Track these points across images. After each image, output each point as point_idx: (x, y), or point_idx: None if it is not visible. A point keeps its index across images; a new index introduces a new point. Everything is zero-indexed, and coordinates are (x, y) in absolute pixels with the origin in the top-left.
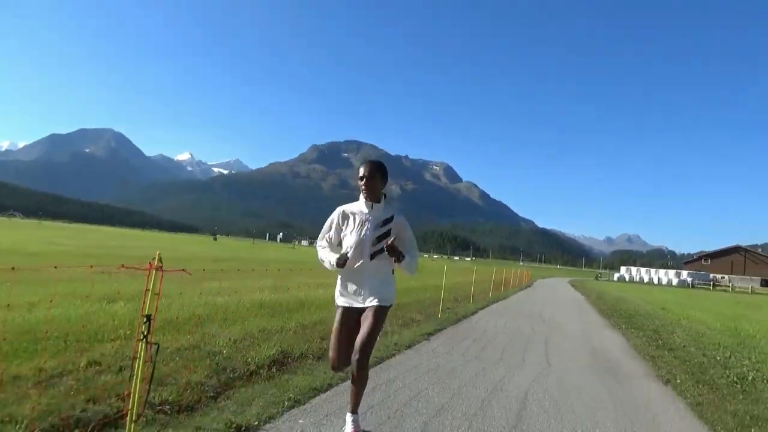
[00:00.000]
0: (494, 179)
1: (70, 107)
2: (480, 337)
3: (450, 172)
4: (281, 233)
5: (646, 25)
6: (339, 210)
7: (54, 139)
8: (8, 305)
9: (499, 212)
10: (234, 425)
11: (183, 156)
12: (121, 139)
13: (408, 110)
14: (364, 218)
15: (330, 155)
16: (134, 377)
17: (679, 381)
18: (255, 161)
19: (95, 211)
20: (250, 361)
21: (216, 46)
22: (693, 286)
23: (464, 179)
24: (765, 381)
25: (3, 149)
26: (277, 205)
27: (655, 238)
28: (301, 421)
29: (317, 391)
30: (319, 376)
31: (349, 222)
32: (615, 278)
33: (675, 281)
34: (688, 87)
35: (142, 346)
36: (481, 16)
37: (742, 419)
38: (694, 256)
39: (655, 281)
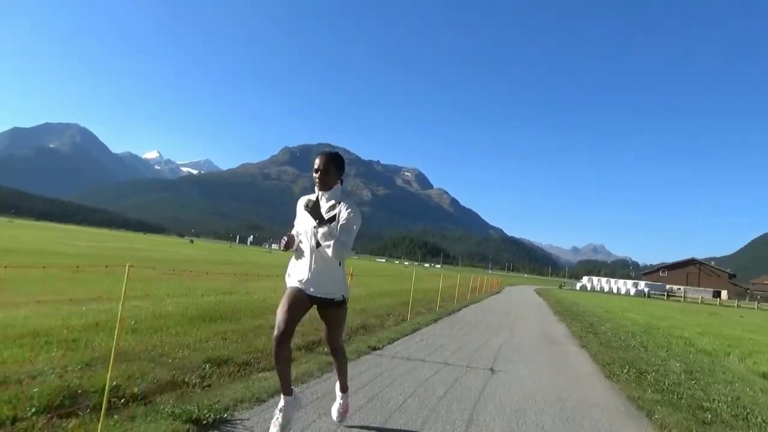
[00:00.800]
0: (465, 187)
1: (35, 101)
2: (467, 323)
3: (421, 179)
4: (252, 236)
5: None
6: (299, 201)
7: (16, 133)
8: (201, 294)
9: (469, 219)
10: None
11: (151, 154)
12: (87, 135)
13: (381, 115)
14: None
15: (302, 157)
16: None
17: (590, 346)
18: (225, 162)
19: (58, 208)
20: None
21: (188, 43)
22: (649, 296)
23: (435, 186)
24: (641, 347)
25: None
26: (247, 206)
27: (620, 249)
28: None
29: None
30: None
31: (301, 211)
32: (578, 287)
33: (633, 291)
34: (664, 94)
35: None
36: (455, 17)
37: (614, 359)
38: (654, 268)
39: (615, 291)
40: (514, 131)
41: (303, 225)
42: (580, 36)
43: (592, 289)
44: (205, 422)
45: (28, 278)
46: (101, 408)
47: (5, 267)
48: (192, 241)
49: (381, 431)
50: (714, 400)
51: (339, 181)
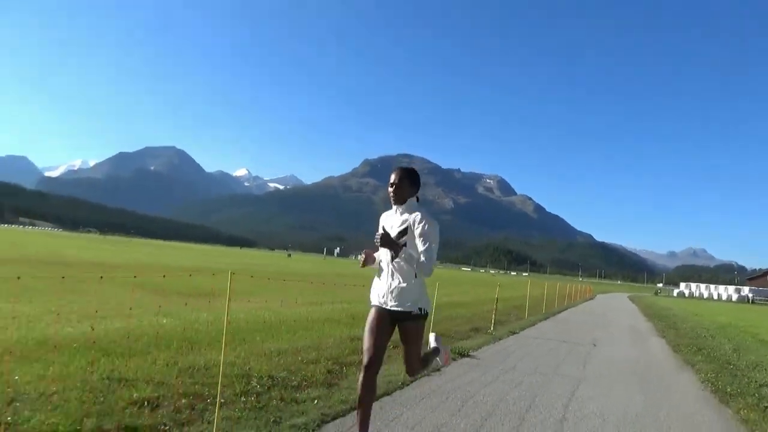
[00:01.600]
0: (550, 192)
1: (136, 127)
2: (569, 321)
3: (504, 185)
4: (338, 248)
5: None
6: (381, 217)
7: (121, 157)
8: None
9: (555, 225)
10: None
11: (240, 172)
12: (183, 156)
13: (461, 123)
14: (393, 221)
15: (382, 169)
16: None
17: (667, 336)
18: (309, 176)
19: (159, 225)
20: None
21: (271, 63)
22: (753, 302)
23: (518, 192)
24: (710, 337)
25: (76, 167)
26: (331, 218)
27: (724, 253)
28: None
29: None
30: None
31: (380, 227)
32: (675, 294)
33: (735, 297)
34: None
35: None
36: (532, 26)
37: (683, 343)
38: (761, 272)
39: (715, 297)
40: (601, 132)
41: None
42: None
43: (690, 296)
44: None
45: (290, 289)
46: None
47: (284, 279)
48: (290, 255)
49: (534, 369)
50: (742, 362)
51: (415, 197)
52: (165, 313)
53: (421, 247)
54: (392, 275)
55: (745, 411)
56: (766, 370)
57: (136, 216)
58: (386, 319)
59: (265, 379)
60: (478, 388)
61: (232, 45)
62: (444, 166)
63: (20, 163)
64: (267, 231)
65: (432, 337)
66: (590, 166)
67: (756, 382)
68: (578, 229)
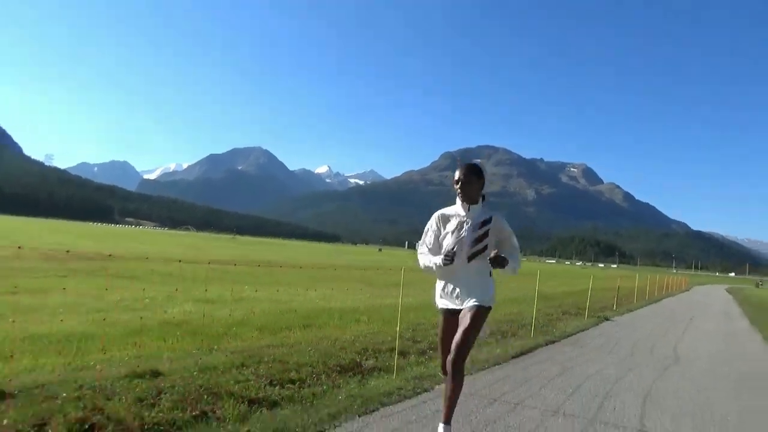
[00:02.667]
0: (639, 179)
1: (225, 129)
2: (669, 308)
3: (589, 174)
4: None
5: None
6: (437, 214)
7: (211, 159)
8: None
9: (646, 214)
10: None
11: (322, 169)
12: (268, 156)
13: (543, 112)
14: (462, 220)
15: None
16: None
17: (753, 316)
18: (389, 171)
19: (251, 223)
20: None
21: (349, 63)
22: None
23: (605, 180)
24: None
25: (171, 170)
26: (411, 212)
27: None
28: None
29: None
30: None
31: (448, 225)
32: None
33: None
34: None
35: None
36: (614, 12)
37: (764, 319)
38: None
39: None
40: (692, 111)
41: (451, 240)
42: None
43: None
44: None
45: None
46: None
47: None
48: (380, 250)
49: (650, 331)
50: None
51: (482, 195)
52: (377, 296)
53: (511, 252)
54: (465, 274)
55: None
56: None
57: (229, 214)
58: (456, 321)
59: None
60: (620, 336)
61: (313, 46)
62: (526, 156)
63: (122, 167)
64: (350, 226)
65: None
66: (683, 150)
67: None
68: (671, 217)
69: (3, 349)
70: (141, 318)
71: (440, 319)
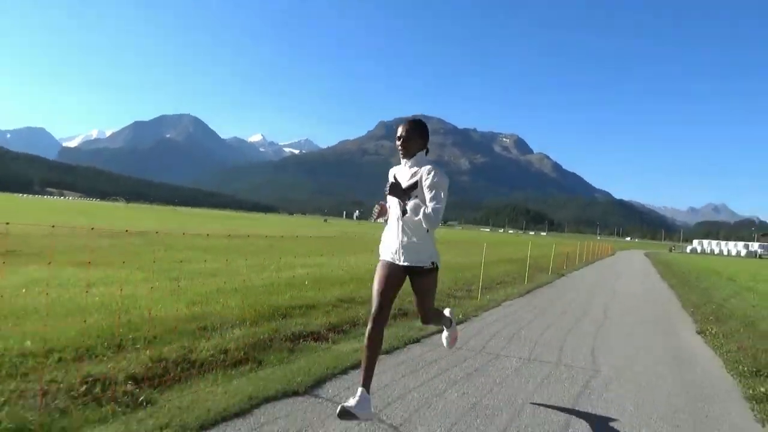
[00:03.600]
0: (567, 150)
1: (151, 95)
2: (603, 267)
3: (521, 144)
4: (357, 211)
5: None
6: (390, 172)
7: (137, 126)
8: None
9: (573, 184)
10: None
11: (255, 137)
12: (198, 124)
13: (476, 81)
14: (402, 175)
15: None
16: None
17: (664, 275)
18: (325, 140)
19: (182, 194)
20: None
21: (284, 27)
22: (760, 257)
23: (536, 151)
24: (689, 274)
25: (93, 137)
26: (349, 182)
27: (746, 208)
28: None
29: None
30: None
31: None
32: (688, 250)
33: (743, 252)
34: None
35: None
36: None
37: (671, 276)
38: None
39: (725, 253)
40: (617, 84)
41: (390, 197)
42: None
43: (702, 252)
44: None
45: None
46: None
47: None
48: (326, 220)
49: (596, 279)
50: (695, 281)
51: (425, 150)
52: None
53: (428, 198)
54: (403, 231)
55: (679, 289)
56: (702, 281)
57: (158, 185)
58: (397, 273)
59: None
60: (579, 283)
61: (243, 7)
62: (460, 126)
63: (39, 134)
64: (287, 196)
65: (447, 311)
66: (608, 122)
67: (695, 284)
68: (596, 186)
69: (277, 289)
70: (293, 276)
71: (378, 265)
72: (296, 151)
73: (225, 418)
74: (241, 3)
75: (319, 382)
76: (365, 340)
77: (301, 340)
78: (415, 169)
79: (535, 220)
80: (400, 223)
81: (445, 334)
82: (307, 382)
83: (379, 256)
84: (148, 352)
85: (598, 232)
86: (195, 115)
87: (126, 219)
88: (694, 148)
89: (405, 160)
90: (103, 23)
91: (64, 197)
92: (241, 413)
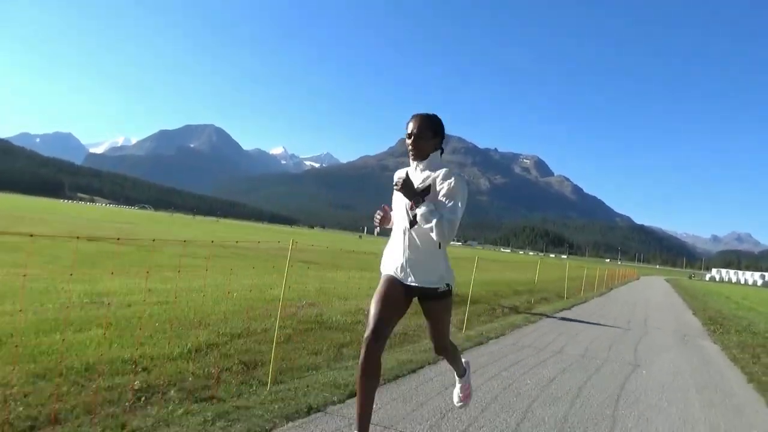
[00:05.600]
0: (588, 173)
1: (177, 104)
2: (632, 289)
3: (541, 166)
4: (378, 227)
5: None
6: (395, 176)
7: (163, 135)
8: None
9: (593, 207)
10: None
11: (277, 150)
12: (222, 134)
13: (497, 101)
14: (412, 179)
15: None
16: None
17: (684, 297)
18: (345, 155)
19: (205, 203)
20: None
21: (308, 43)
22: None
23: (556, 173)
24: (702, 296)
25: (119, 144)
26: (368, 197)
27: None
28: None
29: None
30: None
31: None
32: (707, 278)
33: (759, 282)
34: None
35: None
36: (570, 8)
37: (689, 298)
38: None
39: (741, 282)
40: (642, 109)
41: (397, 203)
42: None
43: (720, 280)
44: None
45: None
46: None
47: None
48: (361, 237)
49: (625, 299)
50: (703, 298)
51: (439, 150)
52: None
53: (444, 205)
54: (410, 244)
55: (688, 301)
56: (706, 298)
57: (182, 194)
58: (399, 293)
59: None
60: (619, 297)
61: (269, 23)
62: (481, 146)
63: (67, 139)
64: (306, 209)
65: (464, 361)
66: (631, 147)
67: (701, 299)
68: (617, 211)
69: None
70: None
71: (381, 280)
72: (317, 165)
73: None
74: (268, 18)
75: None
76: (358, 371)
77: None
78: (428, 172)
79: (554, 242)
80: (407, 234)
81: (457, 388)
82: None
83: (381, 273)
84: None
85: (619, 257)
86: (219, 126)
87: (221, 232)
88: (721, 175)
89: (416, 162)
90: (134, 32)
91: (95, 203)
92: None
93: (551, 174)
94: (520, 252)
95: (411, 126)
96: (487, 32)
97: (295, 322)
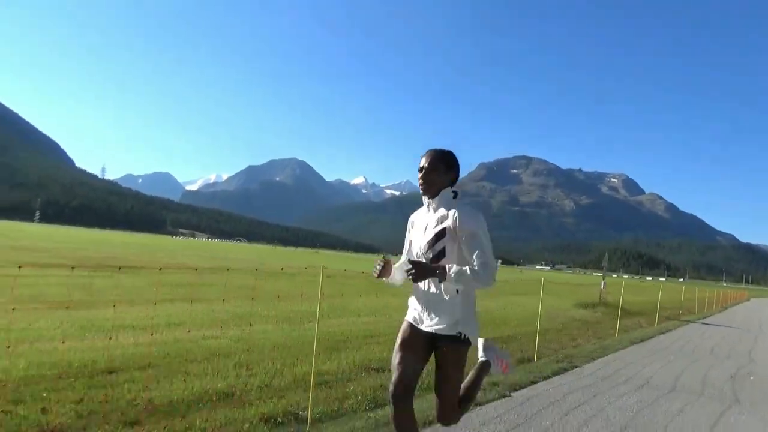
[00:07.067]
0: (682, 190)
1: (263, 141)
2: (744, 308)
3: (630, 184)
4: None
5: None
6: (410, 219)
7: (250, 171)
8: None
9: (690, 226)
10: None
11: (358, 179)
12: (305, 167)
13: (581, 120)
14: (425, 221)
15: (498, 172)
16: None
17: None
18: None
19: (291, 234)
20: None
21: (383, 66)
22: None
23: (647, 191)
24: None
25: (211, 181)
26: None
27: None
28: None
29: None
30: None
31: (413, 229)
32: None
33: None
34: None
35: None
36: (651, 24)
37: None
38: None
39: None
40: (737, 119)
41: (416, 245)
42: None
43: None
44: None
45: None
46: None
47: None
48: None
49: (743, 318)
50: None
51: (450, 187)
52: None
53: (471, 256)
54: (428, 288)
55: None
56: None
57: (270, 226)
58: (418, 339)
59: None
60: (733, 317)
61: (349, 57)
62: (563, 167)
63: (165, 178)
64: (387, 237)
65: (480, 344)
66: (732, 160)
67: None
68: (718, 229)
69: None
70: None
71: (402, 326)
72: (397, 193)
73: None
74: (344, 56)
75: None
76: (391, 427)
77: None
78: (441, 212)
79: (649, 264)
80: (428, 281)
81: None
82: None
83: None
84: None
85: (724, 278)
86: (301, 159)
87: (338, 262)
88: None
89: (428, 199)
90: (222, 78)
91: (195, 237)
92: None
93: (641, 192)
94: (614, 275)
95: (423, 160)
96: (566, 49)
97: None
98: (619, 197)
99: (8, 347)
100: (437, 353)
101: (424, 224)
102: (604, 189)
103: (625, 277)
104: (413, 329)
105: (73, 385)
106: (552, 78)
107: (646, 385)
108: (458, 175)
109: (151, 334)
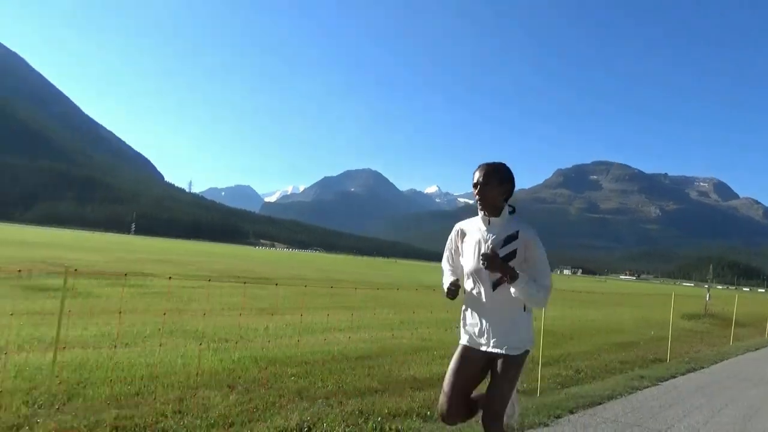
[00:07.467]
0: None
1: (338, 152)
2: None
3: (722, 188)
4: None
5: None
6: (456, 227)
7: (325, 182)
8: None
9: None
10: None
11: (431, 189)
12: (378, 177)
13: (664, 122)
14: (481, 237)
15: (576, 179)
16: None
17: None
18: None
19: (368, 244)
20: None
21: (455, 84)
22: None
23: (741, 195)
24: None
25: (288, 193)
26: None
27: None
28: None
29: None
30: None
31: (466, 242)
32: None
33: None
34: None
35: None
36: (734, 21)
37: None
38: None
39: None
40: None
41: (470, 262)
42: None
43: None
44: None
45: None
46: None
47: None
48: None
49: None
50: None
51: (507, 203)
52: None
53: (538, 276)
54: (492, 307)
55: None
56: None
57: (344, 236)
58: (476, 363)
59: None
60: None
61: (420, 70)
62: (647, 171)
63: (245, 191)
64: None
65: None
66: None
67: None
68: None
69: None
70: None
71: (457, 350)
72: (470, 201)
73: None
74: (419, 65)
75: None
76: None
77: None
78: (509, 231)
79: (746, 274)
80: (488, 296)
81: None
82: None
83: (459, 341)
84: None
85: None
86: (375, 169)
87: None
88: None
89: (484, 214)
90: (297, 94)
91: (275, 248)
92: None
93: (736, 197)
94: (705, 286)
95: (477, 175)
96: (645, 45)
97: None
98: (710, 202)
99: (297, 340)
100: (497, 364)
101: (480, 237)
102: (693, 194)
103: (719, 287)
104: (470, 352)
105: (352, 366)
106: (632, 83)
107: (763, 381)
108: (513, 188)
109: (364, 335)
